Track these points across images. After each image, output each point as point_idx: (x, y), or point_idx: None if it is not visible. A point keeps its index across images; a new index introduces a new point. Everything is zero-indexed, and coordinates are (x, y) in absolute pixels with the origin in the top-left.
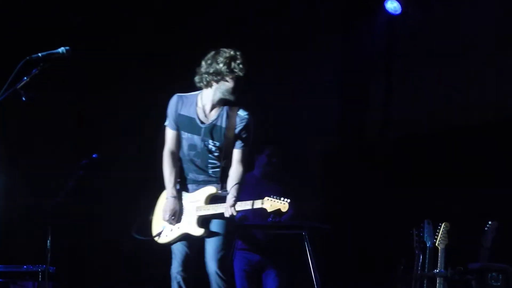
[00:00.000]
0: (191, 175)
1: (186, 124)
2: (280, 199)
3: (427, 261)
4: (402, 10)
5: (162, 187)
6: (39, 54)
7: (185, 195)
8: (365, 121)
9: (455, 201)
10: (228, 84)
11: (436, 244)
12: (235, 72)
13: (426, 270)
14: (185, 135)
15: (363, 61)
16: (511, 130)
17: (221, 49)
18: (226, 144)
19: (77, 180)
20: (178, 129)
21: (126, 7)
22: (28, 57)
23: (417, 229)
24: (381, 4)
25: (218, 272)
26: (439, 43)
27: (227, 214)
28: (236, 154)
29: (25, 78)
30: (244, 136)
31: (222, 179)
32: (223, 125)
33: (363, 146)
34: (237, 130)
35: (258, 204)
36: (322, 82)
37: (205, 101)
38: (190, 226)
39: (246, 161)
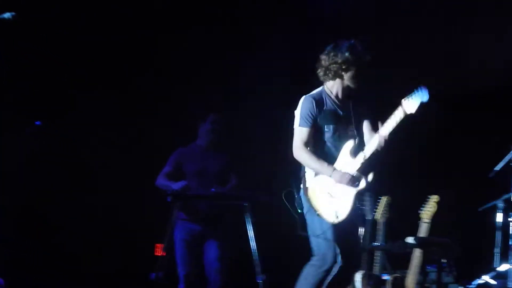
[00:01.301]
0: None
1: (330, 117)
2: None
3: (366, 234)
4: None
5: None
6: None
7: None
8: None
9: (396, 174)
10: (354, 71)
11: (376, 217)
12: (361, 59)
13: (365, 243)
14: (329, 127)
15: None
16: (450, 105)
17: (338, 40)
18: (360, 126)
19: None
20: (314, 126)
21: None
22: None
23: (357, 202)
24: None
25: None
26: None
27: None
28: (368, 125)
29: None
30: (369, 112)
31: None
32: (357, 110)
33: None
34: (365, 112)
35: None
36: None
37: (335, 92)
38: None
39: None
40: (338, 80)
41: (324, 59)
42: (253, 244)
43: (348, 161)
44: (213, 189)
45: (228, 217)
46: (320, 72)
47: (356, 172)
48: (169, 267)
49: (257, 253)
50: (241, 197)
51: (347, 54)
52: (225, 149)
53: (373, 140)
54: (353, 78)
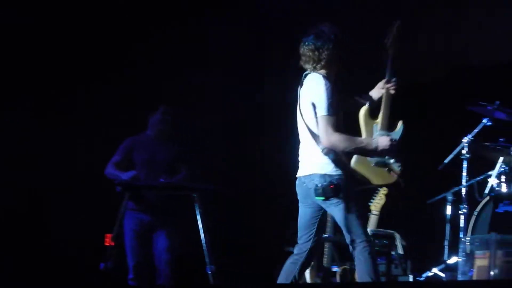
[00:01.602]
0: None
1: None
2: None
3: None
4: None
5: None
6: None
7: None
8: (263, 87)
9: None
10: (342, 56)
11: None
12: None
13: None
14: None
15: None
16: (403, 97)
17: (315, 28)
18: None
19: None
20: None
21: None
22: None
23: None
24: None
25: None
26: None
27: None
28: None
29: None
30: None
31: None
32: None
33: (261, 111)
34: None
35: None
36: (221, 46)
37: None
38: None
39: None
40: (330, 66)
41: (312, 49)
42: (202, 234)
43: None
44: (162, 179)
45: (177, 208)
46: (310, 62)
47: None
48: (118, 257)
49: (207, 244)
50: (190, 188)
51: (335, 39)
52: (175, 139)
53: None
54: (342, 62)
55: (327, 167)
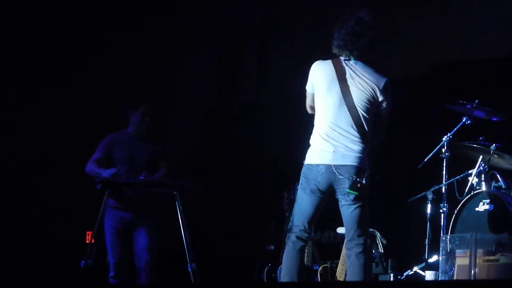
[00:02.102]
0: None
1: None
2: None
3: None
4: None
5: None
6: None
7: None
8: (239, 86)
9: None
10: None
11: None
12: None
13: None
14: None
15: (239, 27)
16: None
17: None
18: None
19: None
20: None
21: None
22: None
23: (287, 192)
24: None
25: None
26: (313, 12)
27: None
28: None
29: None
30: None
31: None
32: None
33: (237, 110)
34: None
35: None
36: (198, 47)
37: None
38: None
39: None
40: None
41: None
42: (184, 232)
43: None
44: (142, 177)
45: (158, 206)
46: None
47: None
48: (98, 255)
49: (187, 242)
50: (170, 185)
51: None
52: (156, 138)
53: None
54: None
55: (365, 162)
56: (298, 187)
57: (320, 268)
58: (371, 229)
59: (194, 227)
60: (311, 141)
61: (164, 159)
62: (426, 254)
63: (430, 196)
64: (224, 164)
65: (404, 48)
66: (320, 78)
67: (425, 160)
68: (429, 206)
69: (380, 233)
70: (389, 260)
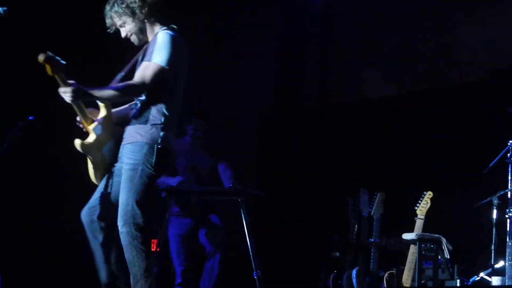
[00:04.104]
0: None
1: None
2: None
3: (362, 230)
4: None
5: None
6: None
7: None
8: (299, 91)
9: (391, 171)
10: None
11: (371, 214)
12: None
13: (361, 239)
14: None
15: (301, 27)
16: (444, 100)
17: None
18: None
19: (12, 142)
20: None
21: None
22: None
23: (352, 198)
24: None
25: None
26: (377, 15)
27: None
28: None
29: None
30: None
31: None
32: None
33: (298, 115)
34: None
35: None
36: (257, 51)
37: None
38: None
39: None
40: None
41: None
42: (249, 239)
43: None
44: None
45: (221, 209)
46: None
47: None
48: (163, 262)
49: (253, 248)
50: (235, 193)
51: None
52: (212, 149)
53: None
54: None
55: None
56: None
57: (386, 274)
58: (437, 235)
59: (258, 234)
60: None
61: (224, 160)
62: (492, 259)
63: (495, 202)
64: (286, 170)
65: (465, 53)
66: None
67: (490, 165)
68: (495, 211)
69: (446, 239)
70: (456, 266)
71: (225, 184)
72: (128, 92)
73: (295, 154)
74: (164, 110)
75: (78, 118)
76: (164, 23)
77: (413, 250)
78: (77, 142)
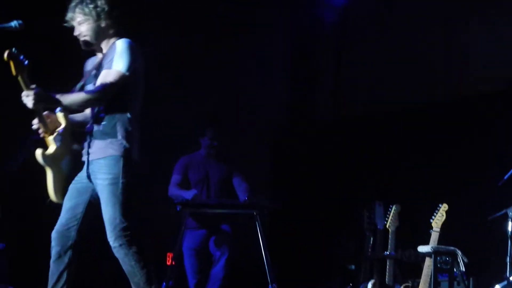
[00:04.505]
0: None
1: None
2: None
3: (377, 243)
4: None
5: None
6: None
7: None
8: (314, 102)
9: (406, 183)
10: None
11: (387, 226)
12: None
13: (376, 252)
14: None
15: (314, 38)
16: (459, 112)
17: None
18: None
19: (27, 153)
20: None
21: None
22: None
23: (368, 210)
24: None
25: None
26: (389, 26)
27: None
28: None
29: None
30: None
31: None
32: None
33: (312, 126)
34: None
35: None
36: (270, 61)
37: None
38: None
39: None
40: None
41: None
42: (264, 252)
43: None
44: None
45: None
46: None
47: None
48: (178, 275)
49: (268, 261)
50: (251, 206)
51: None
52: (227, 157)
53: None
54: None
55: None
56: None
57: (402, 287)
58: (452, 248)
59: (273, 246)
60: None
61: (238, 171)
62: (508, 272)
63: (511, 214)
64: (301, 183)
65: (479, 62)
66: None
67: (505, 177)
68: (510, 223)
69: (462, 252)
70: (471, 279)
71: (240, 197)
72: (91, 99)
73: (310, 166)
74: (129, 120)
75: (35, 126)
76: (121, 35)
77: (428, 262)
78: (39, 152)
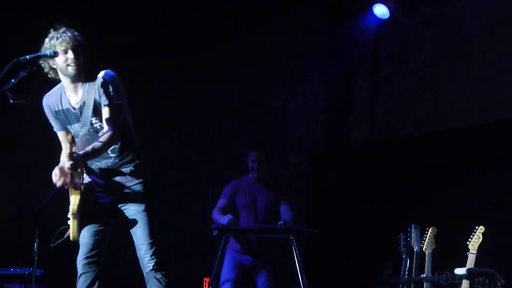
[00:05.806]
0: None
1: (65, 118)
2: None
3: (414, 265)
4: (390, 15)
5: None
6: (27, 57)
7: None
8: (350, 125)
9: (443, 206)
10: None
11: (423, 249)
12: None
13: (413, 275)
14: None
15: (349, 64)
16: (494, 134)
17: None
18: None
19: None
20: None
21: None
22: (15, 59)
23: (404, 233)
24: (370, 7)
25: None
26: (425, 49)
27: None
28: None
29: (13, 80)
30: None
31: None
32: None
33: (348, 149)
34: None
35: None
36: (307, 85)
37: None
38: None
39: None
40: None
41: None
42: (301, 276)
43: None
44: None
45: (277, 248)
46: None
47: None
48: None
49: (305, 286)
50: (286, 230)
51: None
52: (273, 181)
53: None
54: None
55: None
56: None
57: None
58: (489, 270)
59: (310, 270)
60: None
61: (285, 199)
62: None
63: None
64: (337, 207)
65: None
66: None
67: None
68: None
69: (499, 273)
70: None
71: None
72: (112, 142)
73: (346, 190)
74: (137, 143)
75: (59, 181)
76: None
77: (465, 285)
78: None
